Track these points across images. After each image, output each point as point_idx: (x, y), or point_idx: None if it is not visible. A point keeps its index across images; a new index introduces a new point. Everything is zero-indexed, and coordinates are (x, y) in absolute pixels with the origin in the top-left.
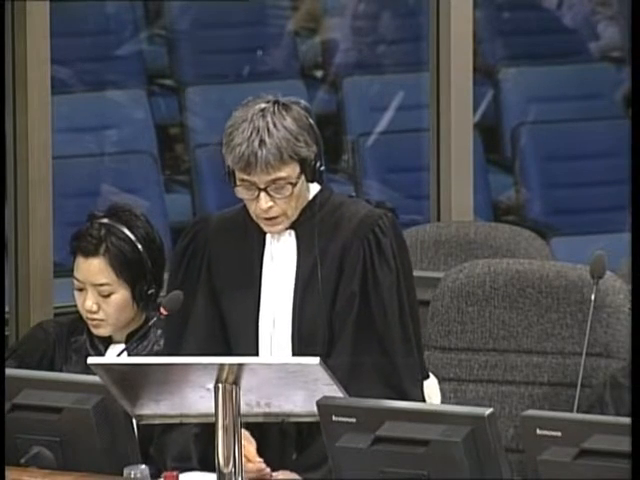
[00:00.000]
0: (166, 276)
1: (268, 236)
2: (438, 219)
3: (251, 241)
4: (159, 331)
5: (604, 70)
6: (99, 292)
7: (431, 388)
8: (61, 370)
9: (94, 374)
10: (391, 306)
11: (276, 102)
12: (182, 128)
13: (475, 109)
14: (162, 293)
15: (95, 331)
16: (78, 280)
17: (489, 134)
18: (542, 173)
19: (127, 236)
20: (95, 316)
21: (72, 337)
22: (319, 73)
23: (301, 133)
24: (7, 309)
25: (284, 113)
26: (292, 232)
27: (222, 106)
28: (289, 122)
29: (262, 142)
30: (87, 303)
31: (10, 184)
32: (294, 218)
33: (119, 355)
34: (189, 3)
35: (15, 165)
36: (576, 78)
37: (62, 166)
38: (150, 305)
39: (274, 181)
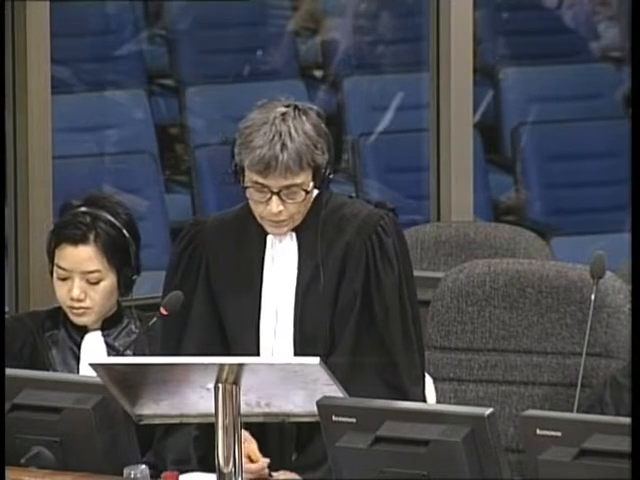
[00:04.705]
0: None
1: (269, 238)
2: (438, 219)
3: (251, 243)
4: (134, 316)
5: (604, 70)
6: (87, 280)
7: (427, 388)
8: (47, 358)
9: (75, 367)
10: (393, 306)
11: (295, 107)
12: (182, 128)
13: (475, 109)
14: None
15: (78, 320)
16: (64, 269)
17: (489, 134)
18: (542, 173)
19: (113, 222)
20: (81, 304)
21: (48, 331)
22: (319, 73)
23: (319, 140)
24: (7, 309)
25: (304, 118)
26: (293, 234)
27: (222, 106)
28: (309, 128)
29: (284, 146)
30: (74, 292)
31: (10, 184)
32: (299, 222)
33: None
34: (189, 3)
35: (15, 165)
36: (576, 78)
37: (62, 166)
38: (129, 291)
39: (288, 186)
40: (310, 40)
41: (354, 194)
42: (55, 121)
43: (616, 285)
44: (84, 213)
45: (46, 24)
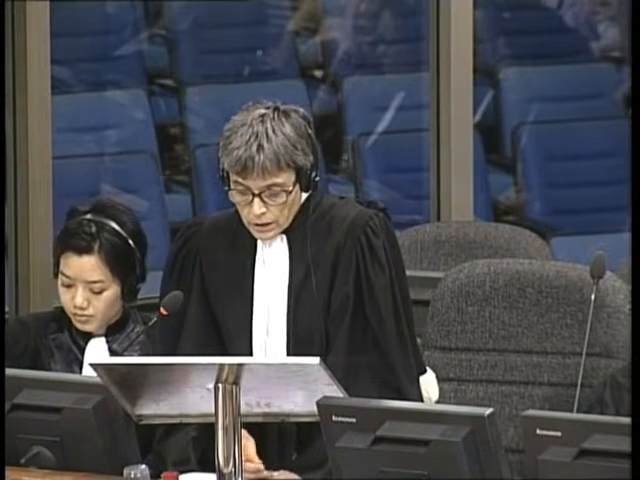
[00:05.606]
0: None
1: (259, 241)
2: (438, 219)
3: (242, 246)
4: (138, 320)
5: (604, 70)
6: (91, 289)
7: (429, 382)
8: (49, 364)
9: (78, 370)
10: (385, 307)
11: (276, 108)
12: (182, 128)
13: (475, 109)
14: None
15: (81, 327)
16: (68, 277)
17: (489, 134)
18: (542, 173)
19: (118, 232)
20: (85, 312)
21: (52, 334)
22: (319, 73)
23: (299, 141)
24: (7, 309)
25: (283, 120)
26: (284, 237)
27: (222, 106)
28: (288, 129)
29: (260, 147)
30: (77, 300)
31: (10, 184)
32: (286, 226)
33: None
34: (189, 3)
35: (15, 165)
36: (576, 78)
37: (62, 166)
38: (133, 298)
39: (269, 187)
40: (310, 40)
41: (354, 194)
42: (55, 121)
43: (616, 285)
44: (90, 221)
45: (46, 24)
